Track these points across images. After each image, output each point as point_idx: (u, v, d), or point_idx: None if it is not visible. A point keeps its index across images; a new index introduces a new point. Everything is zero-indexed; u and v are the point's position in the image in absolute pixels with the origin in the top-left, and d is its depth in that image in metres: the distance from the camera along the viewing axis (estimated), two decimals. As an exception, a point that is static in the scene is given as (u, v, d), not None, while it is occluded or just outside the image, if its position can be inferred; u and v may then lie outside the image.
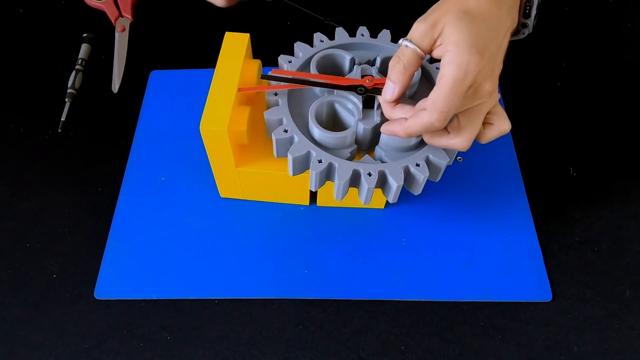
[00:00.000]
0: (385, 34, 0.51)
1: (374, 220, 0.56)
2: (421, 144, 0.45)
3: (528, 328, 0.50)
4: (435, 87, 0.38)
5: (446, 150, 0.45)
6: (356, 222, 0.56)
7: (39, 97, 0.65)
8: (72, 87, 0.64)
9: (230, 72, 0.48)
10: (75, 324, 0.50)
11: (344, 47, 0.50)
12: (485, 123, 0.42)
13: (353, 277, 0.52)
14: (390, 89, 0.41)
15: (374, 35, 0.51)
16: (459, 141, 0.41)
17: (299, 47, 0.50)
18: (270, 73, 0.47)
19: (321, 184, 0.46)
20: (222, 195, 0.57)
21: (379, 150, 0.47)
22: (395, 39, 0.50)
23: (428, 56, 0.41)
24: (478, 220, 0.56)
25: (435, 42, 0.39)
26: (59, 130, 0.62)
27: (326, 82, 0.46)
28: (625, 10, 0.74)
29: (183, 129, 0.62)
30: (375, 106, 0.45)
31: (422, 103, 0.40)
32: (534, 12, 0.44)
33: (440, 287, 0.52)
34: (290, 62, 0.49)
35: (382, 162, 0.46)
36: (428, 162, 0.45)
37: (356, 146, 0.47)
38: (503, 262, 0.53)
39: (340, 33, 0.51)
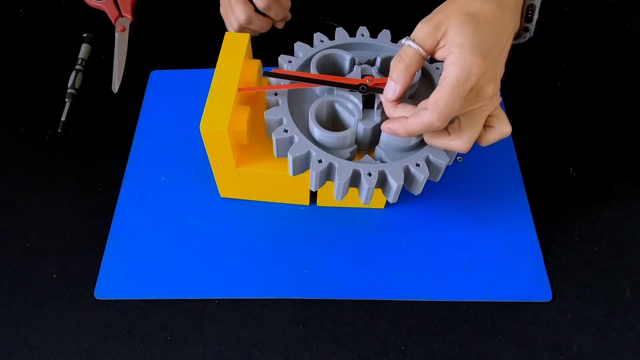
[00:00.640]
0: (386, 34, 0.51)
1: (374, 220, 0.56)
2: (421, 144, 0.45)
3: (528, 328, 0.50)
4: (437, 87, 0.38)
5: (446, 151, 0.45)
6: (356, 222, 0.56)
7: (39, 97, 0.65)
8: (72, 87, 0.64)
9: (230, 72, 0.48)
10: (75, 323, 0.50)
11: (344, 47, 0.50)
12: (486, 126, 0.42)
13: (353, 277, 0.52)
14: (392, 87, 0.41)
15: (374, 35, 0.51)
16: (459, 143, 0.41)
17: (299, 47, 0.50)
18: (270, 73, 0.47)
19: (321, 184, 0.46)
20: (222, 195, 0.57)
21: (379, 150, 0.47)
22: (395, 39, 0.50)
23: (428, 57, 0.41)
24: (478, 220, 0.56)
25: (438, 43, 0.40)
26: (59, 131, 0.62)
27: (327, 80, 0.46)
28: (625, 10, 0.74)
29: (183, 129, 0.62)
30: (376, 106, 0.45)
31: (423, 103, 0.40)
32: (535, 16, 0.44)
33: (440, 287, 0.52)
34: (290, 62, 0.49)
35: (382, 162, 0.46)
36: (428, 162, 0.45)
37: (356, 146, 0.47)
38: (503, 262, 0.53)
39: (340, 33, 0.51)
